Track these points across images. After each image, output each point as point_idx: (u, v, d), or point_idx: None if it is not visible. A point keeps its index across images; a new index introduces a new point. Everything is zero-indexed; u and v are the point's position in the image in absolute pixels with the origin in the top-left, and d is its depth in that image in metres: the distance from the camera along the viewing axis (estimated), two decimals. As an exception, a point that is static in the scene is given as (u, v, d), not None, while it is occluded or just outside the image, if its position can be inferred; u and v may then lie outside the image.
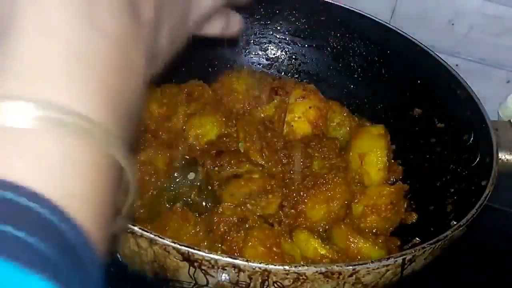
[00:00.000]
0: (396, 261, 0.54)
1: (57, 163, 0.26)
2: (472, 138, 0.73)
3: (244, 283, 0.52)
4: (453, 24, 0.91)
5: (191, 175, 0.71)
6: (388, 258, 0.54)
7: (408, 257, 0.54)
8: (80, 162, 0.27)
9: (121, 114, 0.30)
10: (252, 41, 0.91)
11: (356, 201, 0.73)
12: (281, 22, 0.90)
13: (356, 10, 0.85)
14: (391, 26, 0.84)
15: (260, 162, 0.74)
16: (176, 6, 0.38)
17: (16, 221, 0.24)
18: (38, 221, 0.24)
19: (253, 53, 0.92)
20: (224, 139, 0.75)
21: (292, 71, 0.92)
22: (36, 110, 0.26)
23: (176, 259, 0.51)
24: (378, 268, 0.53)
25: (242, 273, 0.51)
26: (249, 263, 0.50)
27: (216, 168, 0.71)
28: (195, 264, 0.51)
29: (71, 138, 0.27)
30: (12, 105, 0.26)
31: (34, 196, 0.25)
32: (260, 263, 0.50)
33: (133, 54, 0.32)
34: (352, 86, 0.89)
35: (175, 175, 0.71)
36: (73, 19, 0.29)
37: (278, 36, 0.91)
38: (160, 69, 0.39)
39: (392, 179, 0.78)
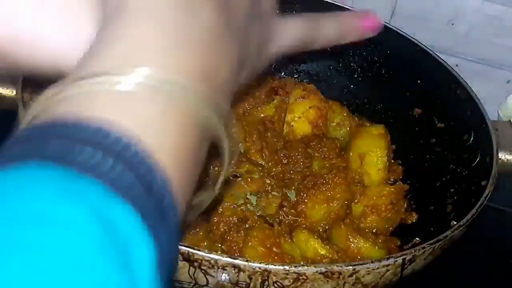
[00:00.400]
0: (396, 261, 0.54)
1: (154, 120, 0.30)
2: (472, 138, 0.73)
3: (244, 283, 0.52)
4: (453, 24, 0.91)
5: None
6: (388, 258, 0.54)
7: (408, 257, 0.54)
8: (174, 123, 0.31)
9: (214, 93, 0.34)
10: (252, 41, 0.91)
11: (356, 201, 0.73)
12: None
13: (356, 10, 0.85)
14: (391, 26, 0.84)
15: (260, 162, 0.74)
16: (262, 27, 0.43)
17: (111, 155, 0.27)
18: (129, 161, 0.27)
19: (253, 53, 0.92)
20: (224, 139, 0.75)
21: (292, 71, 0.92)
22: (139, 77, 0.30)
23: (176, 259, 0.51)
24: (378, 268, 0.53)
25: (242, 273, 0.51)
26: (249, 263, 0.50)
27: (217, 168, 0.71)
28: (195, 264, 0.51)
29: (169, 101, 0.31)
30: (119, 73, 0.30)
31: (130, 141, 0.28)
32: (260, 263, 0.50)
33: (225, 44, 0.36)
34: (352, 86, 0.89)
35: (175, 175, 0.71)
36: (177, 6, 0.33)
37: (278, 36, 0.91)
38: (243, 85, 0.44)
39: (392, 179, 0.78)
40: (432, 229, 0.68)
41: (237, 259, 0.50)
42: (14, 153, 0.27)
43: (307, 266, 0.51)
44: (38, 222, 0.23)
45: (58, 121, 0.29)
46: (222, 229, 0.65)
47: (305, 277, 0.51)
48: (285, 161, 0.74)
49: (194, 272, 0.51)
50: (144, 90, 0.30)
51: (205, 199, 0.39)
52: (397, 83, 0.85)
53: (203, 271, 0.51)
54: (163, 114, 0.30)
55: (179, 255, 0.51)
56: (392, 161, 0.79)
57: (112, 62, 0.31)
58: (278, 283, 0.51)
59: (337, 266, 0.52)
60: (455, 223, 0.61)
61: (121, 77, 0.30)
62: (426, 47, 0.81)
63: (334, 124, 0.82)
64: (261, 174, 0.72)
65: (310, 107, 0.79)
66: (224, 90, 0.36)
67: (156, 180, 0.28)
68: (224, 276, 0.51)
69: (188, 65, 0.33)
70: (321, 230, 0.70)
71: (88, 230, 0.24)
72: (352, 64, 0.89)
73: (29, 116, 0.30)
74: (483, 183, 0.65)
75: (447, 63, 0.79)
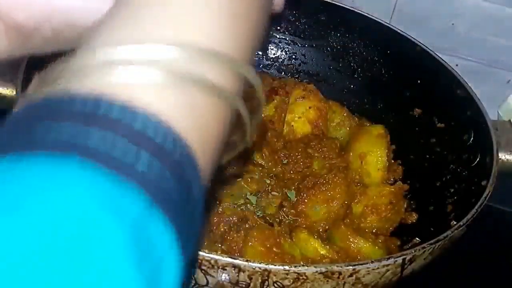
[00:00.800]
0: (396, 261, 0.54)
1: (186, 109, 0.26)
2: (472, 138, 0.73)
3: (244, 283, 0.52)
4: (453, 24, 0.91)
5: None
6: (388, 258, 0.54)
7: (408, 257, 0.54)
8: (208, 113, 0.27)
9: (248, 49, 0.31)
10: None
11: (356, 201, 0.73)
12: (281, 22, 0.90)
13: (356, 10, 0.85)
14: (391, 26, 0.84)
15: (260, 162, 0.74)
16: None
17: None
18: (146, 135, 0.24)
19: (253, 53, 0.92)
20: (224, 139, 0.75)
21: (292, 71, 0.92)
22: (167, 54, 0.26)
23: (176, 259, 0.51)
24: (378, 268, 0.53)
25: (242, 273, 0.51)
26: (249, 263, 0.50)
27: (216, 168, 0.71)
28: (195, 264, 0.51)
29: (203, 86, 0.27)
30: (146, 46, 0.26)
31: (148, 115, 0.24)
32: (260, 263, 0.50)
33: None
34: (352, 86, 0.89)
35: (175, 175, 0.71)
36: None
37: (278, 36, 0.91)
38: None
39: (392, 179, 0.78)
40: (432, 229, 0.68)
41: (237, 259, 0.50)
42: (17, 139, 0.23)
43: (307, 266, 0.51)
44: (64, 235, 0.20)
45: (72, 97, 0.24)
46: (222, 229, 0.65)
47: (305, 277, 0.51)
48: (285, 161, 0.74)
49: (194, 272, 0.51)
50: (173, 73, 0.26)
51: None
52: (397, 83, 0.85)
53: (203, 271, 0.51)
54: (195, 101, 0.27)
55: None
56: (392, 161, 0.79)
57: (140, 31, 0.27)
58: (278, 283, 0.51)
59: (337, 266, 0.52)
60: (455, 223, 0.61)
61: (149, 51, 0.26)
62: (426, 47, 0.81)
63: (334, 124, 0.82)
64: (261, 174, 0.72)
65: (310, 107, 0.79)
66: (254, 42, 0.32)
67: (177, 152, 0.25)
68: (224, 276, 0.51)
69: (231, 46, 0.29)
70: (321, 230, 0.70)
71: (123, 250, 0.20)
72: (352, 64, 0.89)
73: (36, 90, 0.26)
74: (483, 183, 0.65)
75: (447, 63, 0.79)
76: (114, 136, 0.23)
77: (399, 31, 0.83)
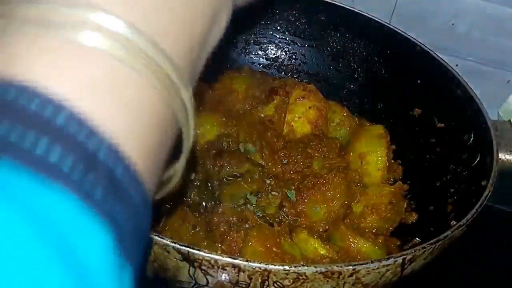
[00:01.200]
0: (396, 261, 0.54)
1: (114, 89, 0.23)
2: (472, 138, 0.73)
3: (244, 283, 0.52)
4: (453, 24, 0.91)
5: (191, 175, 0.71)
6: (388, 258, 0.54)
7: (408, 257, 0.54)
8: (137, 94, 0.24)
9: (192, 55, 0.28)
10: (252, 41, 0.91)
11: (356, 201, 0.73)
12: (281, 22, 0.90)
13: (356, 10, 0.85)
14: (391, 26, 0.84)
15: (260, 162, 0.74)
16: None
17: (48, 134, 0.21)
18: (75, 142, 0.22)
19: (253, 53, 0.92)
20: (224, 139, 0.75)
21: (292, 71, 0.92)
22: (97, 26, 0.23)
23: (176, 259, 0.51)
24: (378, 268, 0.53)
25: (242, 273, 0.51)
26: (249, 263, 0.50)
27: (216, 168, 0.71)
28: (195, 264, 0.51)
29: (138, 70, 0.24)
30: (70, 12, 0.23)
31: (77, 120, 0.22)
32: (260, 263, 0.50)
33: None
34: (352, 86, 0.89)
35: (175, 175, 0.71)
36: None
37: (278, 36, 0.91)
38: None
39: (392, 179, 0.78)
40: (432, 229, 0.68)
41: (237, 259, 0.50)
42: None
43: (307, 266, 0.51)
44: None
45: None
46: (222, 229, 0.65)
47: (305, 277, 0.51)
48: (285, 161, 0.74)
49: (194, 272, 0.51)
50: (104, 46, 0.23)
51: (173, 175, 0.32)
52: (397, 83, 0.85)
53: (203, 271, 0.51)
54: (127, 82, 0.24)
55: (179, 255, 0.51)
56: (392, 161, 0.79)
57: None
58: (278, 283, 0.51)
59: (337, 266, 0.52)
60: (455, 223, 0.61)
61: (72, 20, 0.23)
62: (426, 47, 0.81)
63: (334, 124, 0.82)
64: (261, 174, 0.72)
65: (310, 107, 0.79)
66: (196, 53, 0.29)
67: (102, 150, 0.22)
68: (224, 276, 0.51)
69: (166, 24, 0.26)
70: (321, 230, 0.70)
71: (14, 232, 0.19)
72: (352, 64, 0.89)
73: None
74: (483, 183, 0.65)
75: (447, 63, 0.79)
76: (24, 128, 0.21)
77: (399, 31, 0.83)
